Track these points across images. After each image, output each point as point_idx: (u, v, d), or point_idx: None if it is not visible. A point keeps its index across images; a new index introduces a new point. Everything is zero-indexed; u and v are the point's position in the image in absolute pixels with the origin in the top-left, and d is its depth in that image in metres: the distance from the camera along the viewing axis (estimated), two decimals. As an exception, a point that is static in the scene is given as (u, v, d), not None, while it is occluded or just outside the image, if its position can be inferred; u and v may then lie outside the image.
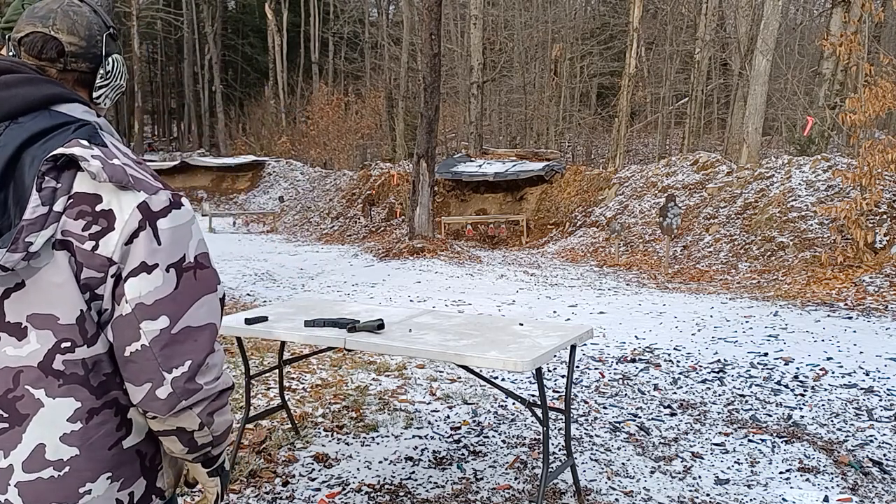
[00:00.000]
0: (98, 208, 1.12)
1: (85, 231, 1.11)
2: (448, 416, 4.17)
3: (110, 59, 1.30)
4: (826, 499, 3.12)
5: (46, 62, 1.24)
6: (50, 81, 1.21)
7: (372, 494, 3.13)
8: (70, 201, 1.11)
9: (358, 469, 3.40)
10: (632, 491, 3.19)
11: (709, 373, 5.18)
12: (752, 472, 3.42)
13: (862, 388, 4.73)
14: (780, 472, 3.40)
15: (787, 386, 4.82)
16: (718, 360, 5.50)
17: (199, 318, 1.19)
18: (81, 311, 1.12)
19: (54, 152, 1.10)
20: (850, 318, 6.92)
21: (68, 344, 1.13)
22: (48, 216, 1.08)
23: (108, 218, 1.12)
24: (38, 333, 1.12)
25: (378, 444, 3.73)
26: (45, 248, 1.09)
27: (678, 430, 3.99)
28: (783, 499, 3.13)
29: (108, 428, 1.18)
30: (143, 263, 1.13)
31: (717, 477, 3.36)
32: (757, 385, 4.85)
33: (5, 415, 1.13)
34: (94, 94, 1.31)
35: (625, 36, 20.91)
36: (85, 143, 1.13)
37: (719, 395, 4.64)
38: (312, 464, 3.44)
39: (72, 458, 1.14)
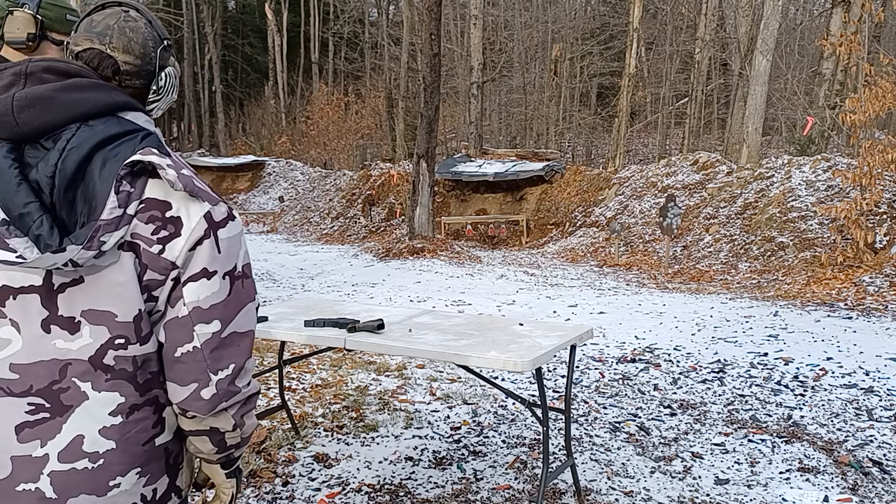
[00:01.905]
0: (168, 214, 1.17)
1: (154, 235, 1.16)
2: (448, 416, 4.17)
3: (163, 74, 1.34)
4: (826, 499, 3.12)
5: (102, 79, 1.27)
6: (116, 89, 1.24)
7: (372, 494, 3.13)
8: (141, 206, 1.15)
9: (358, 469, 3.40)
10: (632, 491, 3.19)
11: (709, 373, 5.18)
12: (752, 472, 3.42)
13: (862, 388, 4.73)
14: (780, 472, 3.40)
15: (787, 386, 4.82)
16: (718, 360, 5.50)
17: (243, 324, 1.25)
18: (140, 310, 1.17)
19: (132, 158, 1.14)
20: (850, 318, 6.92)
21: (122, 341, 1.16)
22: (122, 218, 1.12)
23: (176, 224, 1.17)
24: (91, 328, 1.15)
25: (378, 444, 3.72)
26: (112, 249, 1.13)
27: (678, 430, 3.99)
28: (783, 499, 3.13)
29: (146, 424, 1.22)
30: (205, 269, 1.19)
31: (717, 477, 3.36)
32: (757, 385, 4.85)
33: (47, 405, 1.15)
34: (147, 107, 1.34)
35: (625, 36, 20.91)
36: (156, 152, 1.17)
37: (719, 395, 4.64)
38: (312, 464, 3.44)
39: (108, 451, 1.18)
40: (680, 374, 5.17)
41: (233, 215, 1.24)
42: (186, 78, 38.97)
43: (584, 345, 5.92)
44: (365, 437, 3.80)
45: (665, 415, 4.25)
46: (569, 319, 7.08)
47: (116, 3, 1.30)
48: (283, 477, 3.29)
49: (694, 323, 6.86)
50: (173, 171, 1.15)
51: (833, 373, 5.11)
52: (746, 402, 4.50)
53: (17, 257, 1.07)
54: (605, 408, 4.37)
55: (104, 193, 1.13)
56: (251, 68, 40.67)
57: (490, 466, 3.45)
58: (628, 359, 5.58)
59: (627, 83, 18.37)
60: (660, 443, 3.79)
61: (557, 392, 4.69)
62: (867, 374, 5.06)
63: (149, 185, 1.16)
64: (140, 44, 1.29)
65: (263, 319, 3.19)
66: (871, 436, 3.88)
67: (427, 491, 3.16)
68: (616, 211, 13.27)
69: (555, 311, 7.50)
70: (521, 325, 3.08)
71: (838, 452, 3.63)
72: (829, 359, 5.49)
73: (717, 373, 5.17)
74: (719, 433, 3.93)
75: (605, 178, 14.63)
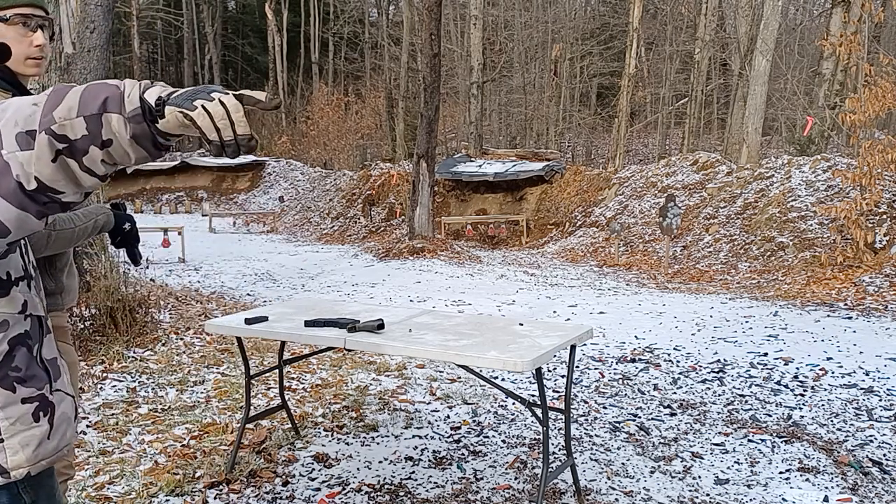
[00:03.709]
0: None
1: None
2: (448, 416, 4.17)
3: None
4: (826, 499, 3.12)
5: None
6: None
7: (372, 494, 3.12)
8: None
9: (358, 469, 3.39)
10: (632, 491, 3.19)
11: (709, 373, 5.18)
12: (751, 472, 3.42)
13: (862, 388, 4.73)
14: (780, 472, 3.40)
15: (786, 386, 4.82)
16: (718, 360, 5.50)
17: None
18: None
19: None
20: (849, 318, 6.92)
21: None
22: None
23: None
24: None
25: (378, 444, 3.72)
26: None
27: (678, 430, 3.99)
28: (783, 499, 3.13)
29: None
30: None
31: (717, 477, 3.36)
32: (757, 385, 4.85)
33: None
34: None
35: (625, 36, 20.91)
36: None
37: (719, 395, 4.64)
38: (312, 464, 3.44)
39: None
40: (680, 374, 5.17)
41: None
42: (186, 78, 38.98)
43: (584, 345, 5.92)
44: (365, 437, 3.80)
45: (665, 415, 4.25)
46: (569, 319, 7.07)
47: None
48: (283, 477, 3.29)
49: (694, 323, 6.86)
50: None
51: (833, 373, 5.11)
52: (746, 402, 4.50)
53: None
54: (605, 408, 4.37)
55: None
56: (251, 68, 40.68)
57: (490, 466, 3.45)
58: (628, 359, 5.58)
59: (627, 83, 18.38)
60: (660, 443, 3.79)
61: (557, 392, 4.69)
62: (867, 374, 5.06)
63: None
64: None
65: (263, 319, 3.18)
66: (871, 436, 3.88)
67: (427, 491, 3.16)
68: (616, 211, 13.28)
69: (555, 311, 7.50)
70: (521, 325, 3.08)
71: (838, 452, 3.63)
72: (829, 359, 5.49)
73: (717, 373, 5.17)
74: (719, 433, 3.93)
75: (605, 178, 14.63)
